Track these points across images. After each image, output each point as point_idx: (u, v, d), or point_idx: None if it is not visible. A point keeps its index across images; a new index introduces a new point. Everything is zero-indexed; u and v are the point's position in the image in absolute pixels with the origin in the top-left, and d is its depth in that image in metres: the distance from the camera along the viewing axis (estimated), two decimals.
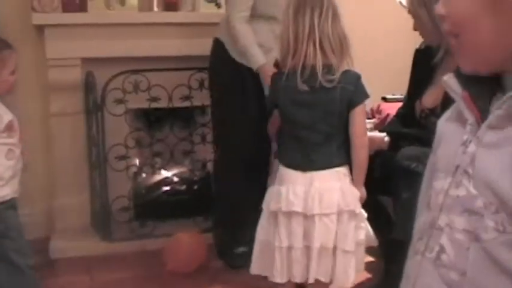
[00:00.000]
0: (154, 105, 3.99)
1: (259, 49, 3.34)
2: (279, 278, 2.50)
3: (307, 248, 2.46)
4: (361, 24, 4.42)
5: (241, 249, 3.61)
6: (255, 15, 3.42)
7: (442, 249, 1.12)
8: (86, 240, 3.90)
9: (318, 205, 2.44)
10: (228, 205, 3.67)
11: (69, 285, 3.41)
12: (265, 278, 2.60)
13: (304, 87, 2.47)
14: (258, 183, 3.56)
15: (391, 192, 2.80)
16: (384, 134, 2.93)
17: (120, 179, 3.97)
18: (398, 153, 2.77)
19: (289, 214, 2.46)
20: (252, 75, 3.40)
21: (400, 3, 2.78)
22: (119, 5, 3.97)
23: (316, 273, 2.46)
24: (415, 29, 2.81)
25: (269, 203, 2.54)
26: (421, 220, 1.20)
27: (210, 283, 3.44)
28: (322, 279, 2.47)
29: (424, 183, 1.28)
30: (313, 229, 2.44)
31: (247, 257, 3.58)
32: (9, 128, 2.66)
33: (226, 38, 3.47)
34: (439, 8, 1.14)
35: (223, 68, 3.50)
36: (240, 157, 3.56)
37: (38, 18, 3.83)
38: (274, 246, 2.49)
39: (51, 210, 4.02)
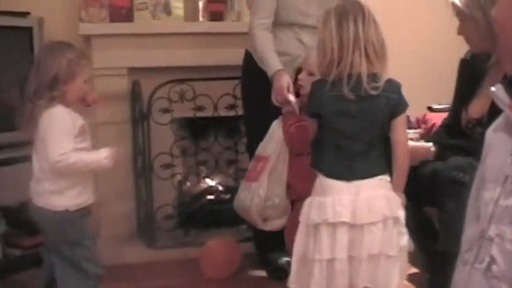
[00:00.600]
0: (199, 114, 4.02)
1: (276, 56, 3.31)
2: None
3: (351, 258, 2.43)
4: (406, 34, 4.40)
5: (284, 259, 3.60)
6: (278, 23, 3.41)
7: (492, 260, 1.09)
8: (131, 248, 3.93)
9: (366, 214, 2.41)
10: None
11: None
12: None
13: (350, 96, 2.44)
14: None
15: (437, 203, 2.76)
16: (430, 144, 2.90)
17: (165, 188, 4.00)
18: (444, 163, 2.73)
19: (334, 225, 2.42)
20: None
21: (453, 4, 2.69)
22: (165, 15, 3.99)
23: (363, 281, 2.43)
24: (459, 33, 2.73)
25: (308, 215, 2.48)
26: (470, 231, 1.18)
27: None
28: (370, 285, 2.44)
29: (473, 194, 1.25)
30: (361, 238, 2.41)
31: (290, 267, 3.59)
32: (81, 132, 2.68)
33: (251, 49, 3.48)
34: (493, 11, 1.14)
35: (254, 79, 3.47)
36: None
37: (85, 29, 3.88)
38: (312, 259, 2.44)
39: (97, 218, 4.05)
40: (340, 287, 2.43)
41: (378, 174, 2.49)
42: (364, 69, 2.43)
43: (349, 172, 2.47)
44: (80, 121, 2.69)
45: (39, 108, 2.65)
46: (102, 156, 2.69)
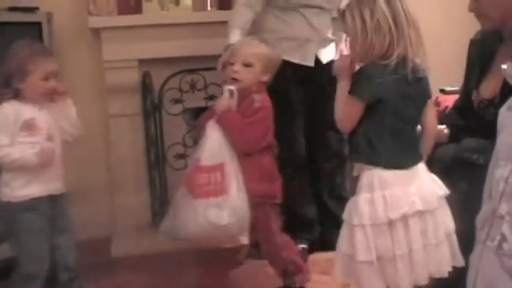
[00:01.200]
0: (211, 103, 3.98)
1: (239, 34, 3.38)
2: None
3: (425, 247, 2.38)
4: (417, 15, 4.37)
5: (300, 246, 3.61)
6: (288, 8, 3.41)
7: (503, 238, 1.09)
8: (147, 239, 3.94)
9: (431, 199, 2.39)
10: (284, 203, 3.65)
11: (131, 283, 3.45)
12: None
13: (411, 78, 2.37)
14: (307, 182, 3.59)
15: (450, 185, 2.75)
16: (442, 127, 2.88)
17: (178, 178, 3.96)
18: (457, 145, 2.72)
19: (406, 218, 2.34)
20: (294, 77, 3.40)
21: None
22: (173, 5, 3.99)
23: (432, 268, 2.40)
24: (470, 11, 2.70)
25: (374, 214, 2.32)
26: (483, 209, 1.17)
27: (271, 279, 3.43)
28: (434, 271, 2.41)
29: (488, 172, 1.24)
30: (429, 224, 2.38)
31: (305, 253, 3.60)
32: (29, 126, 2.72)
33: (265, 36, 3.47)
34: None
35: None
36: (291, 156, 3.56)
37: (94, 22, 3.88)
38: (393, 256, 2.33)
39: (112, 210, 4.07)
40: (421, 278, 2.38)
41: (421, 157, 2.48)
42: (418, 48, 2.39)
43: (407, 159, 2.40)
44: (28, 115, 2.73)
45: None
46: (30, 152, 2.70)
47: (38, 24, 3.67)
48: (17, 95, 2.75)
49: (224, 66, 3.11)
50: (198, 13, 4.07)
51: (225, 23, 3.95)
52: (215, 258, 3.54)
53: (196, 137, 3.14)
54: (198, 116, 4.19)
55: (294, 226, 3.64)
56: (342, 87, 2.42)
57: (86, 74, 4.08)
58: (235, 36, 3.36)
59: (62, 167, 2.88)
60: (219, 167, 2.81)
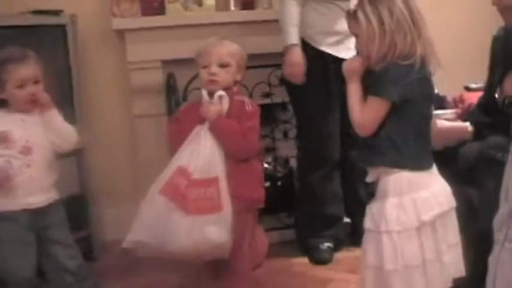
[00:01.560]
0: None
1: (297, 32, 3.38)
2: None
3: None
4: (441, 12, 4.36)
5: (326, 244, 3.62)
6: (322, 0, 3.41)
7: None
8: None
9: (450, 199, 2.38)
10: (312, 201, 3.67)
11: (158, 283, 3.47)
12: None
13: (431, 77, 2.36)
14: (338, 180, 3.59)
15: (477, 183, 2.74)
16: (467, 124, 2.88)
17: None
18: (483, 142, 2.72)
19: (434, 220, 2.31)
20: (336, 74, 3.39)
21: None
22: (196, 5, 4.01)
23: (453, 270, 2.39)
24: (494, 4, 2.65)
25: (402, 218, 2.27)
26: (500, 211, 1.17)
27: (298, 278, 3.45)
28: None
29: (506, 173, 1.23)
30: (450, 223, 2.37)
31: (331, 252, 3.61)
32: (2, 139, 2.70)
33: (308, 31, 3.47)
34: None
35: (307, 65, 3.47)
36: (323, 154, 3.57)
37: (118, 23, 3.91)
38: (422, 262, 2.29)
39: (136, 211, 4.08)
40: (448, 280, 2.37)
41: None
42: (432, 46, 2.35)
43: (429, 159, 2.37)
44: (3, 127, 2.71)
45: None
46: None
47: (63, 27, 3.71)
48: (3, 105, 2.75)
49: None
50: (221, 13, 4.08)
51: (248, 22, 3.98)
52: None
53: (173, 131, 3.00)
54: None
55: (320, 225, 3.66)
56: (354, 89, 2.37)
57: (111, 76, 4.12)
58: (293, 35, 3.38)
59: (49, 178, 2.84)
60: (214, 182, 2.72)
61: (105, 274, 3.53)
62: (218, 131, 2.79)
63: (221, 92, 2.83)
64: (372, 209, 2.34)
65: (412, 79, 2.28)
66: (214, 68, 2.85)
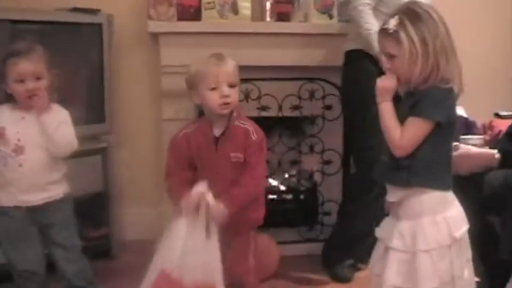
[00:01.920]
0: (264, 113, 4.04)
1: None
2: None
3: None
4: (473, 37, 4.35)
5: (349, 261, 3.62)
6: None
7: None
8: None
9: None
10: (353, 222, 3.60)
11: None
12: None
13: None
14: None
15: (501, 211, 2.73)
16: (494, 151, 2.86)
17: None
18: (508, 171, 2.71)
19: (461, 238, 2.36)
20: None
21: None
22: (232, 14, 4.03)
23: None
24: None
25: (438, 238, 2.30)
26: None
27: None
28: None
29: None
30: (466, 240, 2.40)
31: (353, 269, 3.60)
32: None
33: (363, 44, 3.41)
34: None
35: (364, 79, 3.27)
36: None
37: (153, 26, 3.94)
38: (449, 279, 2.32)
39: (162, 213, 4.12)
40: None
41: None
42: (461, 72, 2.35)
43: (451, 180, 2.39)
44: (1, 123, 2.71)
45: None
46: None
47: (99, 26, 3.75)
48: (9, 99, 2.73)
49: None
50: (256, 23, 4.09)
51: (282, 34, 3.99)
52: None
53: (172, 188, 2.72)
54: None
55: (349, 243, 3.61)
56: (388, 108, 2.35)
57: (143, 77, 4.16)
58: None
59: (46, 178, 2.78)
60: None
61: (122, 273, 3.56)
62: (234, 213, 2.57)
63: (202, 187, 2.51)
64: (399, 228, 2.34)
65: (451, 102, 2.30)
66: (227, 90, 2.59)
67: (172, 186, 2.66)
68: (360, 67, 3.42)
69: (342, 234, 3.63)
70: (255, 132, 2.66)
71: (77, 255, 2.91)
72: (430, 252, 2.29)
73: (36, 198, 2.76)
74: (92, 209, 3.76)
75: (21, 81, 2.66)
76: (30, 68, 2.66)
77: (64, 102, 3.58)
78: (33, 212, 2.77)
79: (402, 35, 2.27)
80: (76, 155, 3.56)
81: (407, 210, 2.34)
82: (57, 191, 2.83)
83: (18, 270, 2.80)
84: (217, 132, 2.66)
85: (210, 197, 2.48)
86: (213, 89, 2.59)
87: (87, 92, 3.76)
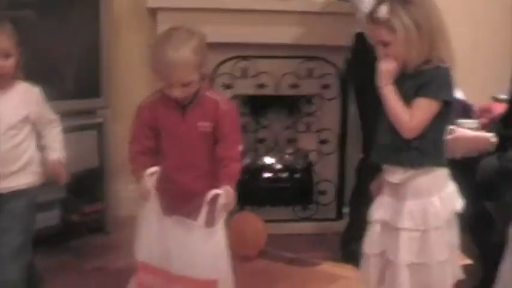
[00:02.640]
0: (261, 91, 4.05)
1: None
2: None
3: None
4: (470, 21, 4.35)
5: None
6: None
7: None
8: None
9: None
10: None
11: None
12: None
13: None
14: None
15: (496, 195, 2.75)
16: (490, 135, 2.87)
17: None
18: (502, 155, 2.72)
19: None
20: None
21: None
22: None
23: None
24: None
25: (442, 214, 2.38)
26: None
27: (308, 271, 3.49)
28: None
29: None
30: None
31: None
32: None
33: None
34: None
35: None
36: None
37: (152, 1, 3.94)
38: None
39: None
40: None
41: None
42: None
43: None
44: None
45: None
46: None
47: (96, 0, 3.73)
48: None
49: None
50: (255, 0, 4.06)
51: (281, 12, 3.98)
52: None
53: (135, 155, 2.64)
54: (247, 103, 4.23)
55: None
56: (392, 91, 2.35)
57: (140, 53, 4.14)
58: None
59: (15, 165, 2.59)
60: (212, 285, 2.39)
61: (116, 248, 3.59)
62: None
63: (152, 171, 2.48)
64: (407, 208, 2.38)
65: (453, 81, 2.33)
66: (178, 91, 2.47)
67: (133, 153, 2.59)
68: (372, 50, 3.32)
69: (358, 224, 3.54)
70: (224, 103, 2.61)
71: (4, 252, 2.59)
72: (441, 227, 2.35)
73: (4, 185, 2.57)
74: (87, 185, 3.78)
75: None
76: (5, 46, 2.52)
77: (59, 75, 3.61)
78: None
79: (395, 22, 2.27)
80: (71, 130, 3.59)
81: (415, 190, 2.37)
82: (23, 181, 2.62)
83: None
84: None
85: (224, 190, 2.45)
86: (168, 87, 2.48)
87: (84, 66, 3.74)
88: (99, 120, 3.79)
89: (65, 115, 3.57)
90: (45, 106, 2.70)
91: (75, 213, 3.75)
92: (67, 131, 3.50)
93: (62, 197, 3.68)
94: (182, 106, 2.56)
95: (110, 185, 3.88)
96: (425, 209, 2.36)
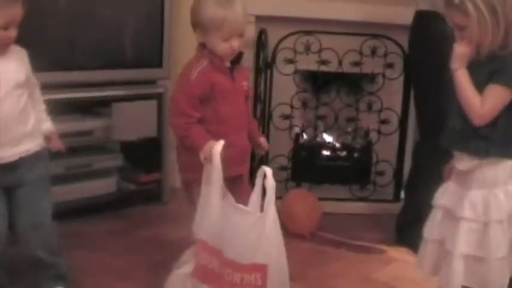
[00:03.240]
0: (323, 68, 4.03)
1: None
2: None
3: None
4: None
5: None
6: None
7: None
8: None
9: None
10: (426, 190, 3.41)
11: None
12: None
13: None
14: None
15: None
16: None
17: (281, 138, 4.08)
18: None
19: None
20: None
21: None
22: None
23: None
24: None
25: (506, 207, 2.36)
26: None
27: (361, 252, 3.50)
28: None
29: None
30: None
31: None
32: None
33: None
34: None
35: (440, 43, 2.97)
36: None
37: None
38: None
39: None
40: None
41: None
42: None
43: None
44: None
45: None
46: None
47: None
48: None
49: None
50: None
51: None
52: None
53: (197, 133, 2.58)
54: (308, 79, 4.22)
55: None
56: (466, 76, 2.31)
57: None
58: None
59: (26, 127, 2.50)
60: (261, 269, 2.32)
61: (172, 218, 3.64)
62: None
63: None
64: (470, 197, 2.35)
65: None
66: (238, 42, 2.55)
67: (187, 125, 2.55)
68: (435, 30, 3.25)
69: (414, 208, 3.44)
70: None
71: (44, 220, 2.59)
72: (502, 222, 2.32)
73: (12, 153, 2.47)
74: (145, 154, 3.84)
75: (5, 28, 2.39)
76: (20, 15, 2.41)
77: (119, 43, 3.63)
78: (3, 169, 2.47)
79: (469, 6, 2.24)
80: (131, 99, 3.62)
81: (480, 180, 2.35)
82: (33, 143, 2.54)
83: None
84: (227, 63, 2.62)
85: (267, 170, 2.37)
86: (225, 39, 2.52)
87: (146, 35, 3.77)
88: (160, 90, 3.82)
89: (125, 84, 3.64)
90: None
91: (132, 182, 3.82)
92: (127, 99, 3.57)
93: (119, 164, 3.76)
94: (230, 69, 2.61)
95: (168, 155, 3.91)
96: (487, 200, 2.33)
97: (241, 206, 2.40)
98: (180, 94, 2.57)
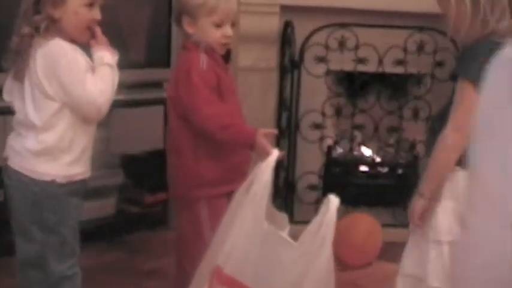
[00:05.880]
0: (360, 68, 4.00)
1: None
2: None
3: None
4: None
5: None
6: None
7: None
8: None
9: None
10: None
11: None
12: None
13: None
14: None
15: None
16: None
17: (311, 152, 4.02)
18: None
19: None
20: None
21: None
22: None
23: None
24: None
25: None
26: None
27: None
28: None
29: None
30: None
31: None
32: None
33: None
34: None
35: None
36: None
37: None
38: None
39: None
40: None
41: None
42: None
43: None
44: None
45: (26, 39, 2.29)
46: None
47: None
48: (49, 28, 2.30)
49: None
50: None
51: None
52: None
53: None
54: (343, 81, 4.16)
55: None
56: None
57: None
58: None
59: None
60: None
61: None
62: None
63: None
64: None
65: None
66: (230, 30, 2.63)
67: (225, 116, 2.55)
68: None
69: None
70: None
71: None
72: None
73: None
74: (150, 170, 3.75)
75: (91, 5, 2.33)
76: None
77: (125, 42, 3.64)
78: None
79: None
80: (135, 104, 3.59)
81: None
82: None
83: None
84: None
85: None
86: (218, 25, 2.60)
87: (152, 33, 3.83)
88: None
89: (127, 87, 3.58)
90: None
91: (134, 203, 3.79)
92: (129, 104, 3.54)
93: (119, 183, 3.74)
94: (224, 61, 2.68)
95: None
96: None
97: (285, 235, 2.31)
98: (198, 85, 2.53)
